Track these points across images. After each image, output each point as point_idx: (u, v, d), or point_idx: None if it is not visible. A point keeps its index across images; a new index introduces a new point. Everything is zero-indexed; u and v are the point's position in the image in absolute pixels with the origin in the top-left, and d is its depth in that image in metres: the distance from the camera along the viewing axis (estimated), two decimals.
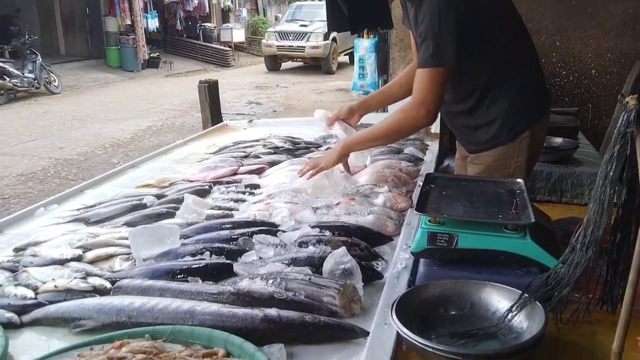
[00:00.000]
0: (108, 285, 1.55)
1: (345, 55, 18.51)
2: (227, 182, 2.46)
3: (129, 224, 2.02)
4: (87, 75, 15.79)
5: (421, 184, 1.68)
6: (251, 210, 2.06)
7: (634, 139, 0.95)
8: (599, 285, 1.15)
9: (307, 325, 1.25)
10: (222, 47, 20.55)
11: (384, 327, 1.24)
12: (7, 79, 11.82)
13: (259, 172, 2.61)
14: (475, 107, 2.00)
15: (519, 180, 1.64)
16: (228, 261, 1.61)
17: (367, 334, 1.24)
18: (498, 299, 1.25)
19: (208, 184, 2.42)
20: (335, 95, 12.72)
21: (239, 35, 22.22)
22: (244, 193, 2.30)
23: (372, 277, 1.51)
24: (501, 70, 1.96)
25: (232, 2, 23.20)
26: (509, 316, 1.19)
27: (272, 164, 2.71)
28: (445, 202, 1.52)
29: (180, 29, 20.44)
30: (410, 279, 1.47)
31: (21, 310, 1.45)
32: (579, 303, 1.15)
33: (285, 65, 18.46)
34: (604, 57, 4.29)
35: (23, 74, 12.28)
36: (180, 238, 1.79)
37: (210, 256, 1.64)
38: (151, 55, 17.95)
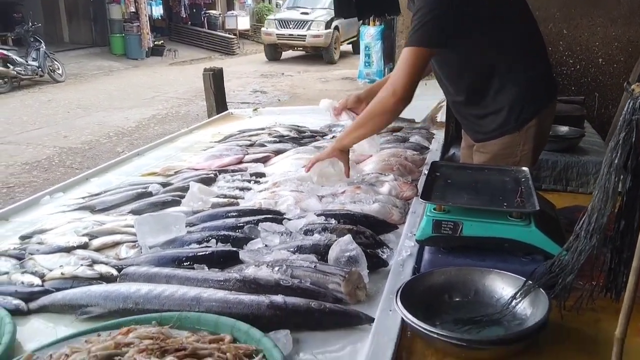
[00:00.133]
0: (114, 272, 1.56)
1: (348, 44, 18.20)
2: (233, 171, 2.47)
3: (134, 212, 2.04)
4: (91, 63, 15.77)
5: (426, 172, 1.68)
6: (257, 198, 2.07)
7: (639, 127, 0.95)
8: (602, 273, 1.15)
9: (313, 312, 1.26)
10: (226, 35, 20.48)
11: (388, 313, 1.25)
12: (11, 66, 11.78)
13: (264, 160, 2.62)
14: (481, 95, 1.99)
15: (524, 168, 1.64)
16: (234, 249, 1.62)
17: (372, 320, 1.25)
18: (502, 286, 1.26)
19: (213, 172, 2.43)
20: (341, 84, 12.66)
21: (244, 22, 22.13)
22: (249, 181, 2.31)
23: (377, 264, 1.52)
24: (508, 58, 1.95)
25: None
26: (513, 303, 1.19)
27: (278, 152, 2.72)
28: (451, 190, 1.52)
29: (184, 16, 20.36)
30: (415, 266, 1.48)
31: (28, 297, 1.46)
32: (582, 290, 1.15)
33: (286, 54, 17.93)
34: (611, 45, 4.26)
35: (27, 61, 12.23)
36: (186, 226, 1.80)
37: (216, 244, 1.66)
38: (155, 43, 17.91)
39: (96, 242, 1.79)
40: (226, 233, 1.71)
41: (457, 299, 1.29)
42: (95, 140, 8.06)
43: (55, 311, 1.43)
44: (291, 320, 1.25)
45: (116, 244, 1.80)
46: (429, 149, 2.66)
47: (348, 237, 1.51)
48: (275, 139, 2.96)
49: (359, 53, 17.22)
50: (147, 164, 2.79)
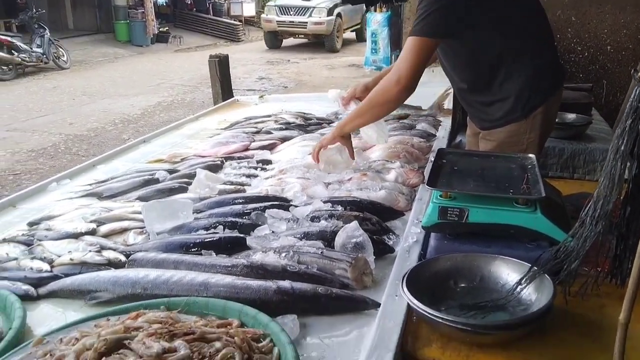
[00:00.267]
0: (122, 258, 1.58)
1: (352, 31, 17.81)
2: (239, 158, 2.48)
3: (141, 199, 2.05)
4: (95, 50, 15.75)
5: (433, 159, 1.68)
6: (263, 185, 2.08)
7: None
8: (608, 259, 1.16)
9: (320, 297, 1.28)
10: (232, 22, 20.36)
11: (394, 298, 1.27)
12: (16, 53, 11.74)
13: (270, 147, 2.62)
14: (488, 83, 1.98)
15: (530, 155, 1.64)
16: (241, 235, 1.63)
17: (378, 305, 1.27)
18: (507, 272, 1.27)
19: (220, 159, 2.44)
20: (347, 71, 12.58)
21: (249, 9, 21.99)
22: (255, 168, 2.31)
23: (383, 250, 1.53)
24: (514, 47, 1.94)
25: None
26: (518, 289, 1.20)
27: (284, 139, 2.72)
28: (457, 177, 1.53)
29: (189, 2, 20.27)
30: (421, 252, 1.49)
31: (37, 282, 1.48)
32: (587, 276, 1.16)
33: (287, 42, 17.31)
34: (619, 32, 4.22)
35: (31, 48, 12.19)
36: (193, 212, 1.81)
37: (224, 230, 1.67)
38: (160, 29, 17.85)
39: (104, 229, 1.80)
40: (233, 219, 1.72)
41: (463, 285, 1.30)
42: (100, 127, 8.08)
43: (64, 296, 1.44)
44: (298, 305, 1.26)
45: (124, 230, 1.81)
46: (436, 136, 2.66)
47: (354, 224, 1.52)
48: (281, 126, 2.97)
49: (362, 41, 17.07)
50: (153, 151, 2.80)
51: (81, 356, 0.98)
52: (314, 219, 1.70)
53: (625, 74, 4.22)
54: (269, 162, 2.41)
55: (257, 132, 2.89)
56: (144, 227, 1.77)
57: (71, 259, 1.57)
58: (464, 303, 1.23)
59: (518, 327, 1.11)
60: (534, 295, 1.20)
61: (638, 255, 0.86)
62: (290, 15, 16.18)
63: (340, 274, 1.38)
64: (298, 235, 1.59)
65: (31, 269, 1.55)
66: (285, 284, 1.29)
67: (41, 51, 12.38)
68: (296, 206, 1.82)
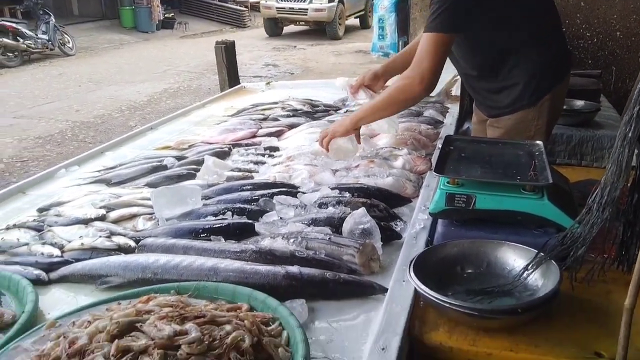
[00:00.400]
0: (132, 244, 1.59)
1: (355, 17, 17.44)
2: (247, 145, 2.48)
3: (150, 185, 2.06)
4: (101, 37, 15.73)
5: (440, 146, 1.68)
6: (271, 172, 2.09)
7: None
8: (614, 246, 1.16)
9: (328, 282, 1.29)
10: (238, 7, 20.22)
11: (402, 284, 1.28)
12: (21, 40, 11.73)
13: (278, 134, 2.63)
14: (496, 70, 1.97)
15: (538, 142, 1.64)
16: (250, 221, 1.65)
17: (385, 290, 1.28)
18: (514, 258, 1.28)
19: (227, 146, 2.45)
20: (354, 57, 12.51)
21: None
22: (263, 155, 2.32)
23: (390, 237, 1.54)
24: (522, 35, 1.93)
25: None
26: (525, 274, 1.21)
27: (291, 126, 2.72)
28: (464, 164, 1.53)
29: None
30: (428, 239, 1.50)
31: (48, 267, 1.49)
32: (594, 262, 1.17)
33: (288, 29, 16.91)
34: (629, 18, 4.18)
35: (36, 35, 12.17)
36: (201, 199, 1.82)
37: (232, 216, 1.68)
38: (166, 15, 17.77)
39: (113, 215, 1.82)
40: (241, 206, 1.73)
41: (470, 271, 1.32)
42: (107, 114, 8.10)
43: (75, 281, 1.46)
44: (306, 290, 1.28)
45: (133, 216, 1.82)
46: (443, 123, 2.65)
47: (362, 210, 1.53)
48: (288, 113, 2.96)
49: (366, 28, 16.92)
50: (160, 137, 2.80)
51: (94, 338, 1.00)
52: (321, 205, 1.71)
53: (634, 61, 4.18)
54: (276, 149, 2.42)
55: (264, 119, 2.89)
56: (153, 213, 1.79)
57: (82, 244, 1.58)
58: (471, 288, 1.24)
59: (524, 312, 1.12)
60: (541, 281, 1.21)
61: None
62: (290, 1, 15.66)
63: (348, 259, 1.39)
64: (306, 222, 1.60)
65: (42, 254, 1.57)
66: (294, 269, 1.30)
67: (46, 38, 12.36)
68: (304, 193, 1.83)
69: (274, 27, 16.45)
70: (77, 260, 1.52)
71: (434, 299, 1.14)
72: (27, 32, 11.95)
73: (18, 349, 1.06)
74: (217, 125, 2.89)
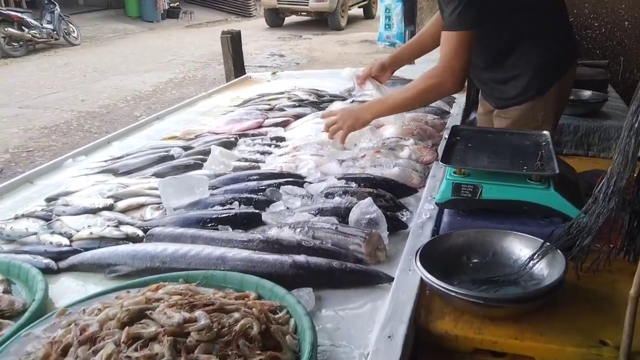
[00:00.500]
0: (140, 233, 1.60)
1: (359, 7, 17.17)
2: (253, 135, 2.48)
3: (157, 175, 2.07)
4: (106, 26, 15.71)
5: (447, 136, 1.68)
6: (277, 162, 2.10)
7: None
8: (620, 236, 1.16)
9: (334, 271, 1.30)
10: None
11: (408, 273, 1.29)
12: (26, 29, 11.71)
13: (284, 124, 2.63)
14: (503, 60, 1.97)
15: (545, 132, 1.64)
16: (257, 211, 1.66)
17: (391, 279, 1.29)
18: (520, 248, 1.29)
19: (234, 136, 2.45)
20: (360, 47, 12.43)
21: None
22: (269, 145, 2.32)
23: (397, 226, 1.54)
24: (530, 26, 1.92)
25: None
26: (530, 264, 1.22)
27: (297, 116, 2.72)
28: (471, 154, 1.54)
29: None
30: (434, 229, 1.51)
31: (57, 256, 1.51)
32: (599, 252, 1.17)
33: (289, 20, 16.56)
34: (638, 8, 4.14)
35: (41, 24, 12.15)
36: (208, 189, 1.83)
37: (239, 206, 1.69)
38: (171, 5, 17.72)
39: (121, 204, 1.83)
40: (248, 195, 1.74)
41: (475, 260, 1.32)
42: (112, 104, 8.11)
43: (84, 270, 1.47)
44: (313, 279, 1.29)
45: (141, 206, 1.83)
46: (450, 113, 2.64)
47: (368, 200, 1.54)
48: (294, 103, 2.96)
49: (370, 18, 16.74)
50: (167, 127, 2.81)
51: (105, 325, 1.02)
52: (328, 195, 1.72)
53: None
54: (282, 139, 2.42)
55: (271, 109, 2.89)
56: (161, 203, 1.80)
57: (91, 234, 1.59)
58: (477, 278, 1.25)
59: (530, 301, 1.13)
60: (546, 271, 1.21)
61: None
62: None
63: (354, 249, 1.40)
64: (313, 211, 1.61)
65: (51, 243, 1.58)
66: (301, 258, 1.31)
67: (51, 27, 12.35)
68: (310, 183, 1.84)
69: (275, 17, 16.09)
70: (86, 249, 1.53)
71: (440, 287, 1.15)
72: (32, 21, 11.93)
73: (30, 336, 1.08)
74: (223, 115, 2.89)
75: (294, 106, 2.91)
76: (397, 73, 2.55)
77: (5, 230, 1.66)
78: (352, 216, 1.52)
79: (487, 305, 1.14)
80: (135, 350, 0.93)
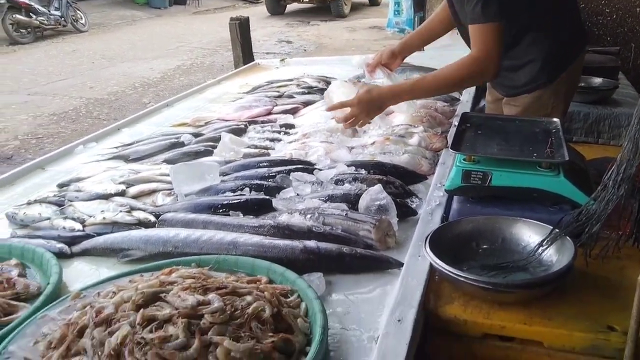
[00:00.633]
0: (152, 218, 1.63)
1: None
2: (262, 122, 2.50)
3: (168, 161, 2.09)
4: (113, 13, 15.68)
5: (457, 123, 1.68)
6: (287, 149, 2.11)
7: None
8: (629, 223, 1.17)
9: (345, 256, 1.31)
10: None
11: (417, 258, 1.30)
12: (34, 16, 11.67)
13: (293, 112, 2.63)
14: (512, 49, 1.95)
15: (554, 119, 1.64)
16: (267, 197, 1.67)
17: (401, 265, 1.30)
18: (529, 234, 1.30)
19: (243, 123, 2.46)
20: (369, 33, 12.32)
21: None
22: (279, 132, 2.33)
23: (406, 213, 1.56)
24: (540, 13, 1.91)
25: None
26: (539, 250, 1.23)
27: (306, 103, 2.73)
28: (480, 141, 1.54)
29: None
30: (443, 215, 1.52)
31: (71, 241, 1.53)
32: (608, 239, 1.17)
33: (291, 7, 15.95)
34: None
35: (49, 11, 12.11)
36: (219, 175, 1.85)
37: (250, 192, 1.70)
38: None
39: (133, 190, 1.85)
40: (259, 182, 1.76)
41: (485, 247, 1.33)
42: (121, 91, 8.11)
43: (97, 254, 1.50)
44: (324, 264, 1.31)
45: (152, 192, 1.85)
46: (460, 100, 2.63)
47: (378, 187, 1.55)
48: (303, 90, 2.96)
49: (376, 5, 16.55)
50: (176, 114, 2.83)
51: (120, 308, 1.04)
52: (338, 182, 1.73)
53: None
54: (292, 126, 2.43)
55: (280, 96, 2.90)
56: (172, 189, 1.82)
57: (104, 219, 1.62)
58: (486, 264, 1.26)
59: (538, 286, 1.14)
60: (555, 257, 1.22)
61: None
62: None
63: (364, 235, 1.41)
64: (323, 198, 1.62)
65: (64, 228, 1.60)
66: (312, 243, 1.33)
67: (59, 14, 12.32)
68: (320, 169, 1.85)
69: (276, 5, 15.43)
70: (99, 234, 1.55)
71: (449, 273, 1.16)
72: (40, 8, 11.89)
73: (45, 318, 1.10)
74: (233, 102, 2.90)
75: (303, 93, 2.91)
76: (407, 60, 2.54)
77: (19, 215, 1.68)
78: (362, 203, 1.54)
79: (496, 290, 1.15)
80: (150, 331, 0.95)
